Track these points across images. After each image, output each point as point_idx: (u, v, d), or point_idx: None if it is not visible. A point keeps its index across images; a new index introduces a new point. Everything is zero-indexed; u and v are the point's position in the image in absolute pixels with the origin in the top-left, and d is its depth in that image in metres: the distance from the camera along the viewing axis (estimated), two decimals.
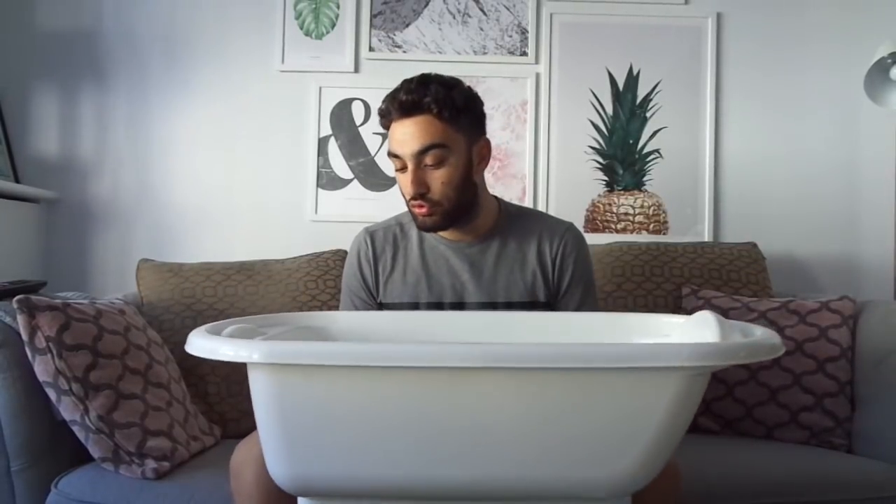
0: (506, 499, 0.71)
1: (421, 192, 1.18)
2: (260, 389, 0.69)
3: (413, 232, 1.32)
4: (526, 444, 0.67)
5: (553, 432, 0.67)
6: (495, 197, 1.34)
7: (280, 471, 0.71)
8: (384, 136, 2.11)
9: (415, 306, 1.27)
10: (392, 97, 1.19)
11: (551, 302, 1.28)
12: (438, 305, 1.26)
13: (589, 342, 0.70)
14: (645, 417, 0.67)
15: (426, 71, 2.06)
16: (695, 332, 0.82)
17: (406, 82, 1.19)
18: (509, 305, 1.25)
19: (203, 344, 0.70)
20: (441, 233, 1.28)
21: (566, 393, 0.67)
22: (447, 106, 1.16)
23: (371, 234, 1.33)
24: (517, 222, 1.31)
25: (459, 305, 1.26)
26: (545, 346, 0.68)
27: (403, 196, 1.24)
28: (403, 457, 0.68)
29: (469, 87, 1.23)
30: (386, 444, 0.68)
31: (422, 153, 1.16)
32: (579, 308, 1.27)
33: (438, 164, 1.17)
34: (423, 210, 1.20)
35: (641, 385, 0.66)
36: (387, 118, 1.21)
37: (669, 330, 0.92)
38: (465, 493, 0.70)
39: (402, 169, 1.20)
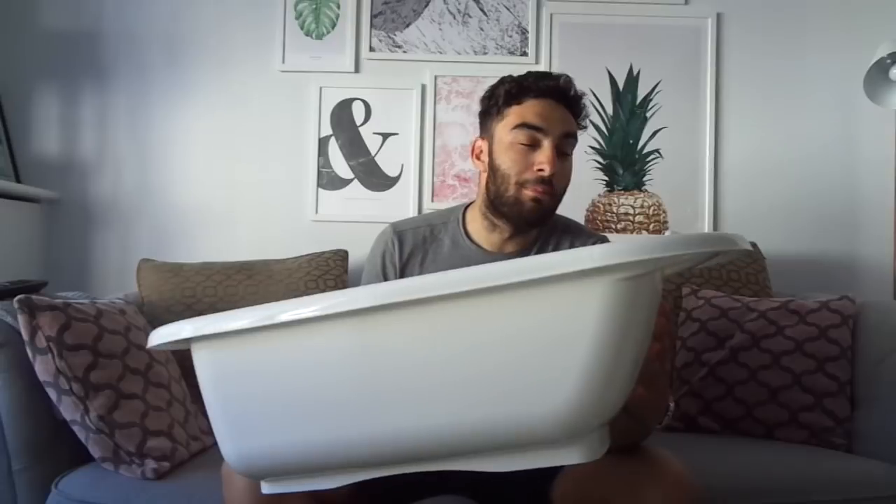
0: (454, 451, 0.65)
1: (554, 173, 1.13)
2: (199, 370, 0.71)
3: (445, 237, 1.24)
4: (454, 383, 0.62)
5: (474, 367, 0.62)
6: None
7: (229, 452, 0.71)
8: (384, 136, 2.12)
9: None
10: (549, 77, 1.16)
11: None
12: None
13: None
14: (572, 337, 0.59)
15: (427, 71, 2.09)
16: None
17: (558, 75, 1.17)
18: None
19: (150, 337, 0.73)
20: (480, 241, 1.22)
21: (480, 319, 0.61)
22: (582, 113, 1.18)
23: (399, 234, 1.25)
24: (553, 236, 1.26)
25: None
26: (443, 274, 0.61)
27: (505, 178, 1.14)
28: (332, 417, 0.66)
29: None
30: (315, 405, 0.66)
31: (566, 137, 1.14)
32: None
33: (569, 156, 1.17)
34: (543, 193, 1.13)
35: (559, 300, 0.58)
36: (525, 92, 1.15)
37: None
38: (404, 451, 0.66)
39: (532, 145, 1.13)
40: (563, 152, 1.15)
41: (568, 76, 1.17)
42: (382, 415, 0.64)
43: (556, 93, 1.15)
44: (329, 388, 0.66)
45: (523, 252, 1.22)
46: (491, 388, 0.61)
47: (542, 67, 2.12)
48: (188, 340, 0.70)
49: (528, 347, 0.60)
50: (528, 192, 1.13)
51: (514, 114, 1.15)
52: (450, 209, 1.30)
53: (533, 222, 1.17)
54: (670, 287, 1.76)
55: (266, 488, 0.73)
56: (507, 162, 1.15)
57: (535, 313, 0.60)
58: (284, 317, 0.65)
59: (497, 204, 1.17)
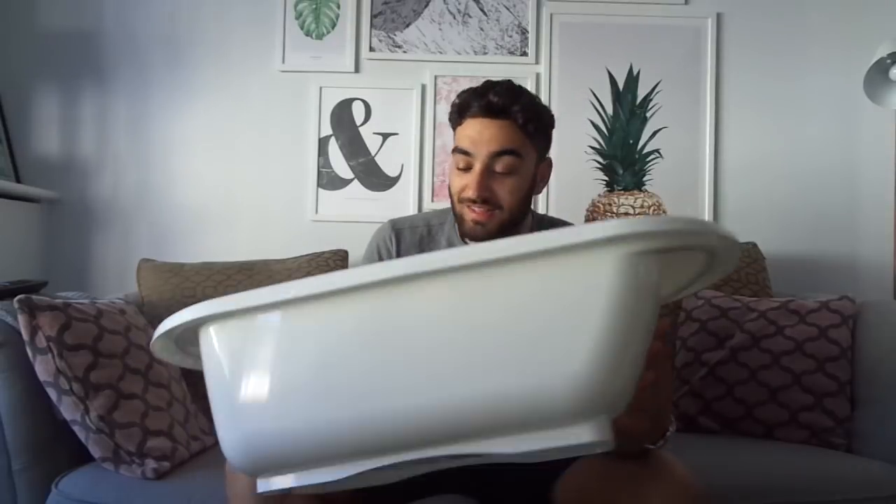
0: (465, 429, 0.65)
1: (484, 197, 1.11)
2: (207, 354, 0.70)
3: (441, 238, 1.26)
4: (463, 357, 0.63)
5: (489, 337, 0.63)
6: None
7: (232, 439, 0.69)
8: (384, 136, 2.12)
9: None
10: (479, 94, 1.12)
11: None
12: None
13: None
14: (584, 305, 0.62)
15: (427, 71, 2.09)
16: None
17: (494, 84, 1.13)
18: None
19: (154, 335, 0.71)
20: (472, 242, 1.22)
21: (492, 292, 0.63)
22: (533, 119, 1.12)
23: (397, 231, 1.27)
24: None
25: None
26: (465, 248, 0.63)
27: (452, 197, 1.17)
28: (346, 394, 0.66)
29: (548, 107, 1.21)
30: (327, 382, 0.66)
31: (496, 156, 1.11)
32: None
33: (508, 172, 1.12)
34: (481, 215, 1.13)
35: (571, 271, 0.61)
36: (463, 113, 1.14)
37: None
38: (416, 431, 0.66)
39: (466, 168, 1.13)
40: (499, 170, 1.12)
41: (503, 85, 1.13)
42: (395, 390, 0.65)
43: (487, 110, 1.12)
44: (341, 363, 0.66)
45: None
46: (505, 359, 0.63)
47: (542, 67, 2.12)
48: (197, 326, 0.71)
49: (542, 317, 0.62)
50: (469, 213, 1.14)
51: (456, 136, 1.17)
52: (447, 209, 1.31)
53: (483, 240, 1.15)
54: None
55: (262, 485, 0.71)
56: (451, 182, 1.18)
57: (549, 283, 0.62)
58: (299, 292, 0.66)
59: (455, 219, 1.21)
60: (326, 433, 0.67)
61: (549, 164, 1.23)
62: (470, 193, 1.12)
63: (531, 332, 0.63)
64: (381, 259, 1.26)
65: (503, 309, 0.63)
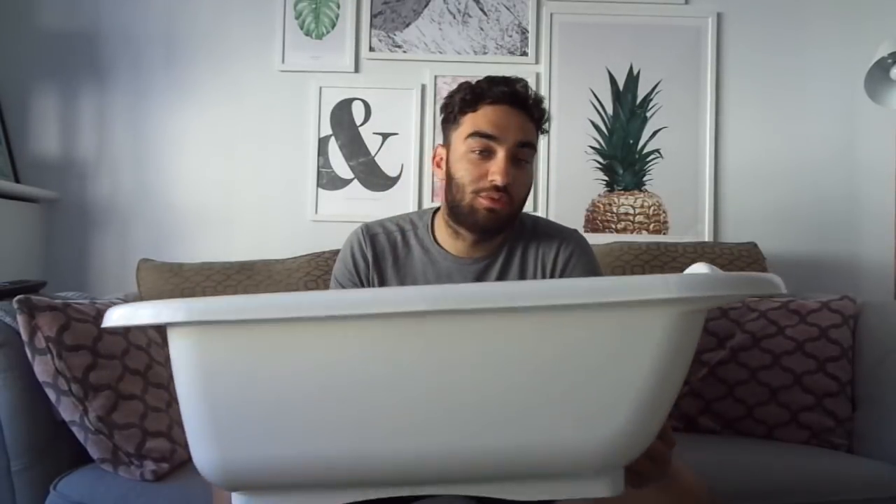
0: (483, 476, 0.61)
1: (507, 184, 1.09)
2: (182, 359, 0.61)
3: (415, 243, 1.23)
4: (494, 403, 0.58)
5: (523, 387, 0.58)
6: None
7: (208, 460, 0.61)
8: (384, 136, 2.11)
9: None
10: (504, 83, 1.12)
11: None
12: None
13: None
14: (631, 365, 0.58)
15: (427, 71, 2.08)
16: None
17: (515, 80, 1.13)
18: None
19: (121, 312, 0.61)
20: (448, 247, 1.20)
21: (535, 339, 0.58)
22: (543, 118, 1.16)
23: (372, 235, 1.23)
24: (522, 239, 1.22)
25: None
26: (508, 284, 0.60)
27: (462, 186, 1.12)
28: (351, 428, 0.59)
29: None
30: (327, 413, 0.59)
31: (521, 146, 1.11)
32: None
33: (525, 163, 1.13)
34: (498, 203, 1.10)
35: (622, 325, 0.57)
36: (481, 98, 1.11)
37: None
38: (425, 472, 0.61)
39: (486, 152, 1.10)
40: (519, 160, 1.11)
41: (525, 81, 1.15)
42: (416, 430, 0.59)
43: (512, 98, 1.11)
44: (355, 393, 0.59)
45: (491, 256, 1.20)
46: (542, 411, 0.59)
47: (542, 67, 2.12)
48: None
49: (585, 371, 0.59)
50: (483, 201, 1.10)
51: (468, 122, 1.12)
52: (420, 213, 1.29)
53: (490, 230, 1.15)
54: None
55: (239, 500, 0.64)
56: (461, 171, 1.12)
57: (598, 335, 0.59)
58: (315, 310, 0.58)
59: (455, 213, 1.15)
60: (326, 468, 0.61)
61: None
62: (497, 180, 1.08)
63: (572, 384, 0.59)
64: (355, 264, 1.22)
65: (547, 357, 0.58)
